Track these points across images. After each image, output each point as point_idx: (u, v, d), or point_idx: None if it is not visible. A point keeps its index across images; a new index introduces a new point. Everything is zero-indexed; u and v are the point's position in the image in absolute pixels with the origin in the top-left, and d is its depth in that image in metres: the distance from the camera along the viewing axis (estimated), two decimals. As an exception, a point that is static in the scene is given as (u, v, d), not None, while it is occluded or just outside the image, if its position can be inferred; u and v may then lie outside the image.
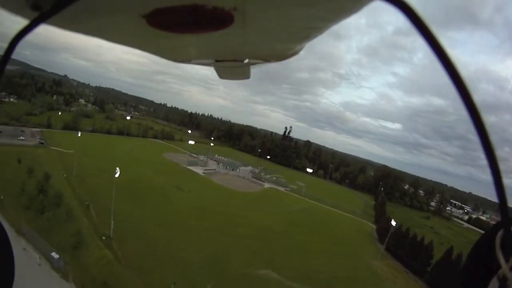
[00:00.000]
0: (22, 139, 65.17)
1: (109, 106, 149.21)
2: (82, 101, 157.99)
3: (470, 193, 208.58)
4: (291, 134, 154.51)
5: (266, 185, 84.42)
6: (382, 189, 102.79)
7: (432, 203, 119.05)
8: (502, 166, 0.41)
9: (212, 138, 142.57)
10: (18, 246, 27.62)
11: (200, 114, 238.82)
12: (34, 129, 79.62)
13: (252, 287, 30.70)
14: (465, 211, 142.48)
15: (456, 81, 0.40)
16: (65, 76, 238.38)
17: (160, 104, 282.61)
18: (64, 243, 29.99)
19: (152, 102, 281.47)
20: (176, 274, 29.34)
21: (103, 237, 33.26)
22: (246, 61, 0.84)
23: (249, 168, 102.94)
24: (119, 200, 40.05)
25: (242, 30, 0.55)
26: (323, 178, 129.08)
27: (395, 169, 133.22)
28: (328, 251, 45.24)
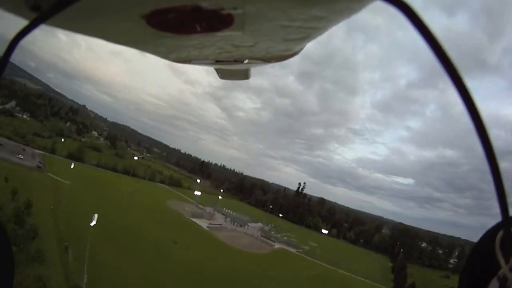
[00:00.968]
0: (21, 158, 60.47)
1: (121, 143, 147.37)
2: (95, 133, 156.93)
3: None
4: (305, 190, 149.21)
5: (276, 245, 77.03)
6: (401, 250, 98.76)
7: (451, 260, 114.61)
8: (502, 167, 0.41)
9: (222, 190, 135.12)
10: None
11: (213, 163, 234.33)
12: (36, 151, 75.00)
13: None
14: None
15: (455, 80, 0.41)
16: (84, 106, 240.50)
17: (174, 149, 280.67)
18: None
19: (166, 146, 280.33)
20: None
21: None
22: (246, 61, 0.82)
23: (259, 225, 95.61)
24: (104, 249, 35.42)
25: (242, 30, 0.54)
26: (337, 237, 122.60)
27: (411, 226, 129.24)
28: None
